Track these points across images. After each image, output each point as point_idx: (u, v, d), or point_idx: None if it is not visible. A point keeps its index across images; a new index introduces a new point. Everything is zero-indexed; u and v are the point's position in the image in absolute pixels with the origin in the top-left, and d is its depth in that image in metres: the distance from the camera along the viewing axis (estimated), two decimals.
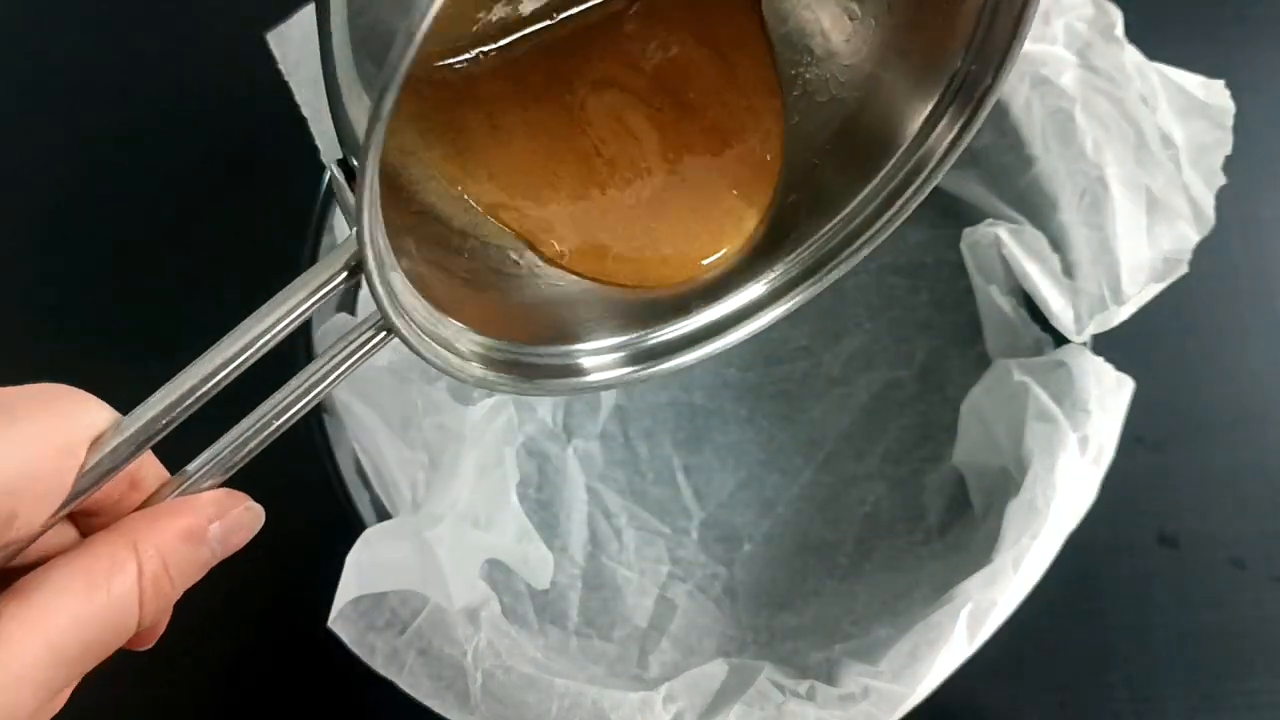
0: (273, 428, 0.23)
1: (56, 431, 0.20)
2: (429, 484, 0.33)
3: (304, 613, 0.31)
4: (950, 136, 0.27)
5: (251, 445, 0.23)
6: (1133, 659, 0.39)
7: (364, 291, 0.36)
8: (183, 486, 0.23)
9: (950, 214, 0.39)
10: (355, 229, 0.19)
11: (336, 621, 0.29)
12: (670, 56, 0.30)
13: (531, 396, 0.27)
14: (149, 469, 0.23)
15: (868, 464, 0.38)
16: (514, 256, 0.28)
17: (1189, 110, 0.33)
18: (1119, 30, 0.33)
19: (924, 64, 0.27)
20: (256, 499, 0.25)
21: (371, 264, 0.20)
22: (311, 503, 0.33)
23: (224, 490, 0.23)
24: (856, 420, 0.39)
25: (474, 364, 0.25)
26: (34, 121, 0.43)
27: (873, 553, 0.37)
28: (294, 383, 0.22)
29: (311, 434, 0.33)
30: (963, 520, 0.36)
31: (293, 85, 0.30)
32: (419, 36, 0.16)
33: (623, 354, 0.28)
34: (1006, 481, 0.34)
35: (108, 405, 0.22)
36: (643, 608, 0.37)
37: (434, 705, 0.29)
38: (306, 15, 0.30)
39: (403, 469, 0.33)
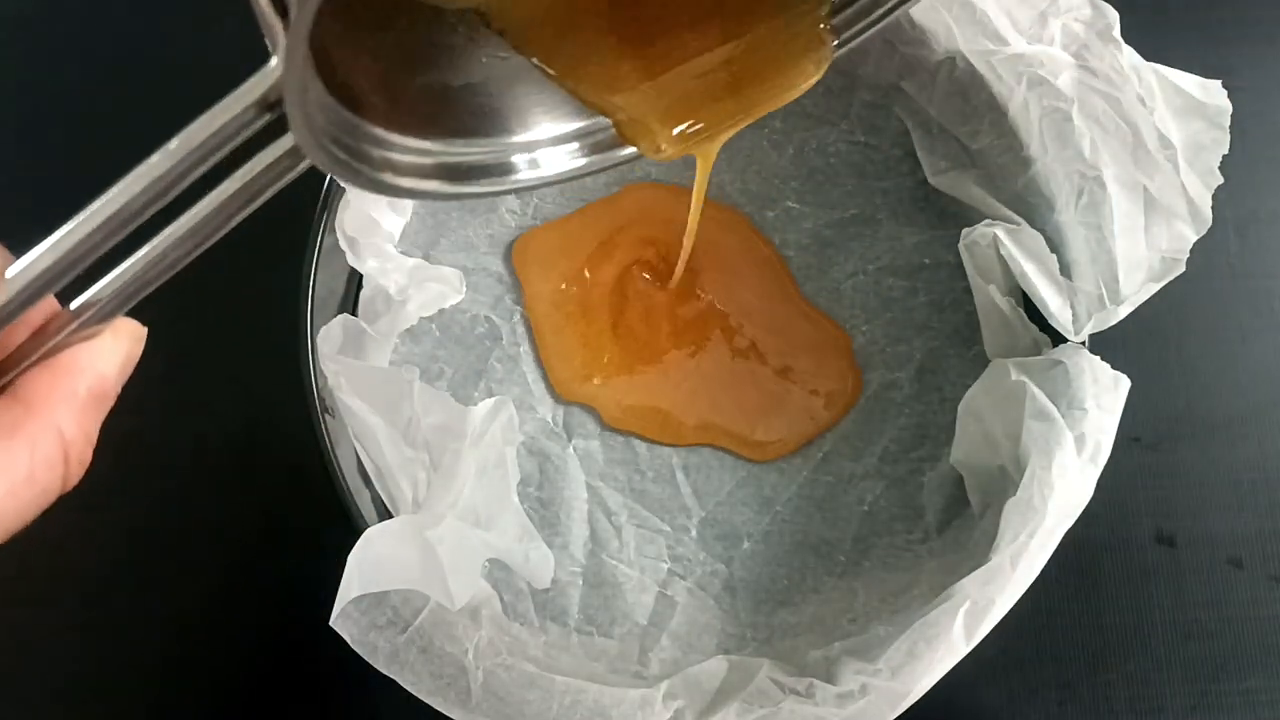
0: (174, 256, 0.20)
1: None
2: (429, 484, 0.33)
3: (305, 612, 0.31)
4: None
5: (151, 274, 0.21)
6: (1130, 658, 0.39)
7: (365, 293, 0.36)
8: (78, 322, 0.21)
9: (948, 215, 0.39)
10: (281, 51, 0.17)
11: (338, 621, 0.29)
12: None
13: (463, 199, 0.25)
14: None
15: (866, 463, 0.38)
16: (453, 23, 0.25)
17: (1186, 110, 0.33)
18: (1116, 31, 0.33)
19: None
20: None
21: (294, 93, 0.18)
22: (311, 503, 0.33)
23: (122, 327, 0.22)
24: (854, 420, 0.39)
25: (401, 176, 0.23)
26: (31, 126, 0.44)
27: (871, 551, 0.37)
28: (199, 206, 0.20)
29: (312, 434, 0.33)
30: (961, 519, 0.37)
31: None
32: None
33: (571, 146, 0.27)
34: (1004, 480, 0.34)
35: None
36: (643, 605, 0.37)
37: (436, 704, 0.29)
38: None
39: (403, 469, 0.33)
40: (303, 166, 0.20)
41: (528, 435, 0.38)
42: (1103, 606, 0.39)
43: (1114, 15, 0.33)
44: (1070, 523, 0.31)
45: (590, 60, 0.27)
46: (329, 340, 0.33)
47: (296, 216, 0.34)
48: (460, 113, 0.25)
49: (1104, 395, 0.32)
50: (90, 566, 0.39)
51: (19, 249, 0.19)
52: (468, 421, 0.33)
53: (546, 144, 0.27)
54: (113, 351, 0.22)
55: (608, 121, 0.28)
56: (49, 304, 0.21)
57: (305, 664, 0.38)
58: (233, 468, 0.40)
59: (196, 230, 0.20)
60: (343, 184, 0.22)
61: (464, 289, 0.38)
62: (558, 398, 0.39)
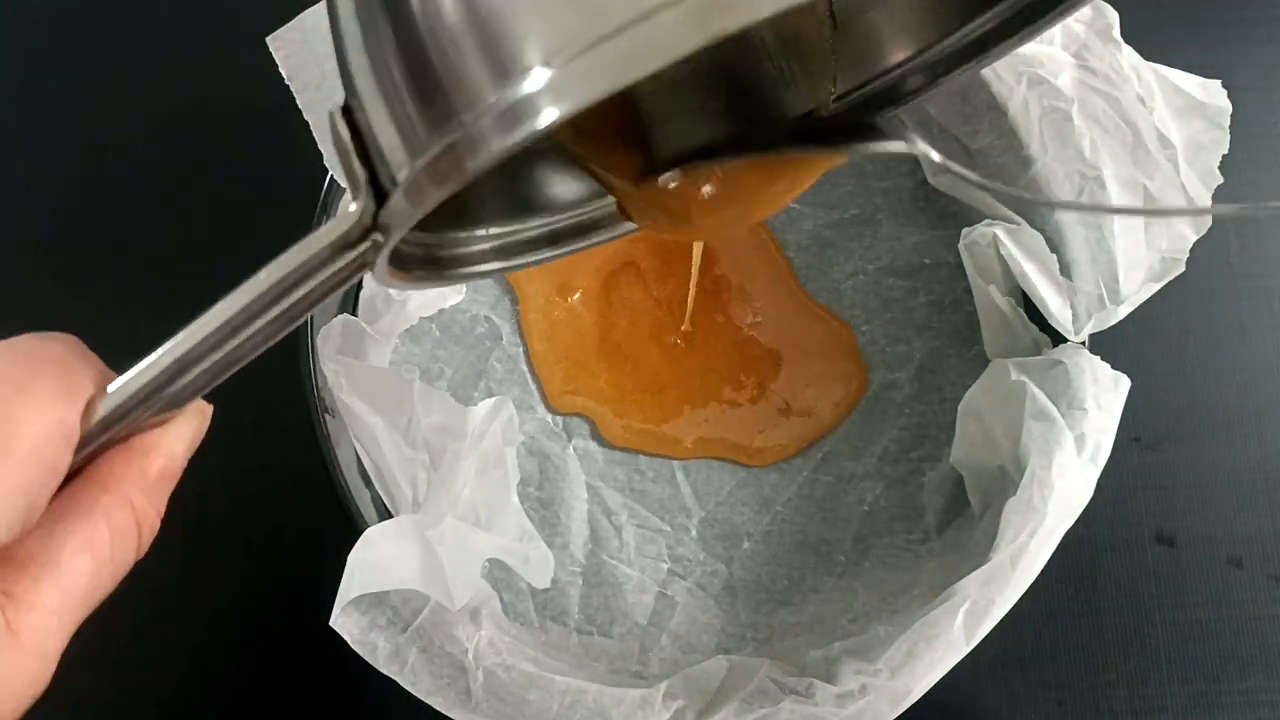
0: (244, 352, 0.22)
1: (50, 421, 0.20)
2: (429, 484, 0.33)
3: (305, 612, 0.31)
4: None
5: (223, 367, 0.22)
6: (1130, 658, 0.39)
7: (365, 293, 0.36)
8: (154, 409, 0.22)
9: (948, 215, 0.39)
10: (362, 202, 0.19)
11: (338, 620, 0.29)
12: None
13: (517, 269, 0.26)
14: None
15: (866, 463, 0.38)
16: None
17: (1186, 110, 0.33)
18: (1116, 31, 0.33)
19: None
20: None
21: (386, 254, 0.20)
22: (311, 503, 0.33)
23: (192, 412, 0.24)
24: (854, 420, 0.39)
25: (465, 267, 0.25)
26: (31, 126, 0.44)
27: (871, 551, 0.37)
28: (274, 311, 0.22)
29: (312, 434, 0.33)
30: (961, 519, 0.37)
31: (294, 89, 0.30)
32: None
33: (610, 210, 0.28)
34: (1004, 480, 0.34)
35: (85, 350, 0.21)
36: (643, 605, 0.37)
37: (436, 703, 0.30)
38: (307, 18, 0.30)
39: (403, 469, 0.33)
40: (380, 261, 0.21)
41: (528, 435, 0.38)
42: (1103, 606, 0.39)
43: (1114, 15, 0.33)
44: (1070, 523, 0.31)
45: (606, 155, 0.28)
46: (329, 340, 0.33)
47: (296, 216, 0.34)
48: (515, 199, 0.27)
49: (1104, 395, 0.32)
50: None
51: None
52: (468, 421, 0.33)
53: (587, 212, 0.28)
54: (182, 431, 0.23)
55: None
56: None
57: (305, 664, 0.38)
58: (233, 468, 0.40)
59: (267, 329, 0.22)
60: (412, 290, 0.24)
61: (464, 289, 0.38)
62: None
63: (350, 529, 0.32)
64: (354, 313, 0.36)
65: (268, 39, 0.30)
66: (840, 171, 0.40)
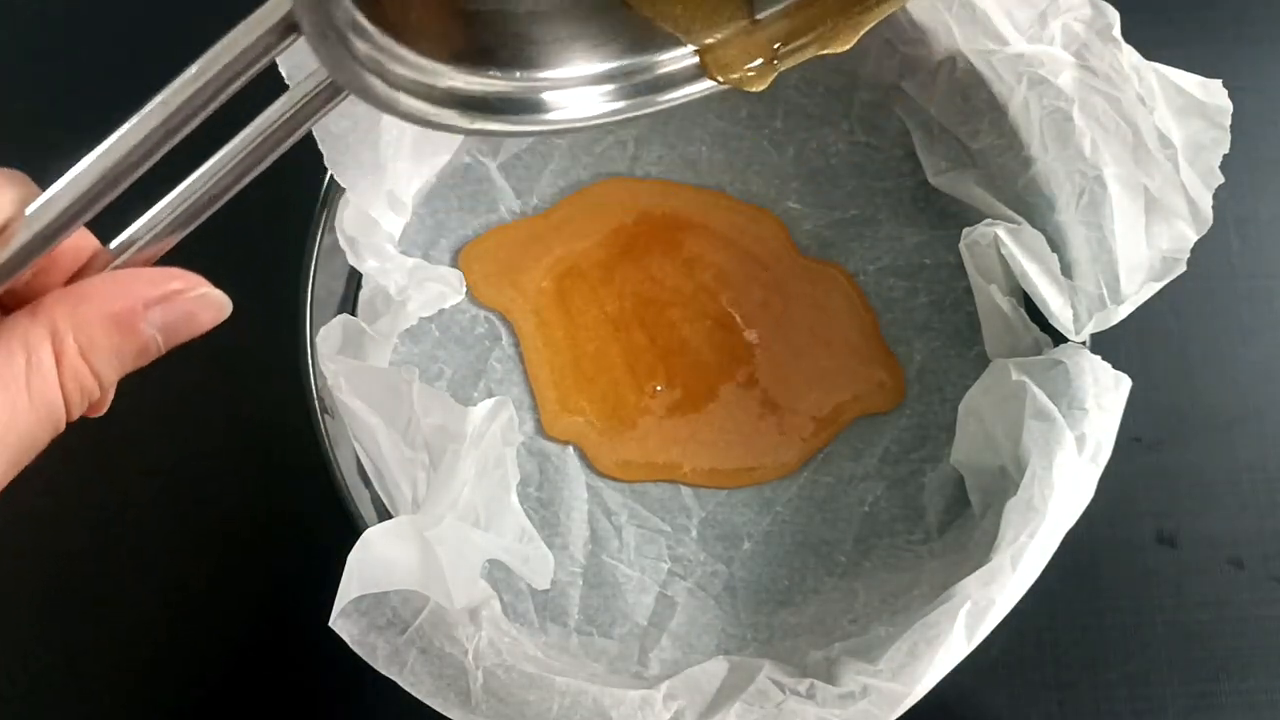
0: (219, 189, 0.20)
1: None
2: (429, 484, 0.33)
3: (304, 613, 0.31)
4: None
5: (190, 211, 0.20)
6: (1131, 658, 0.39)
7: (365, 293, 0.36)
8: (118, 261, 0.19)
9: (948, 215, 0.39)
10: None
11: (337, 621, 0.29)
12: None
13: (480, 135, 0.24)
14: (75, 238, 0.20)
15: (866, 464, 0.38)
16: None
17: (1187, 110, 0.33)
18: (1116, 30, 0.33)
19: None
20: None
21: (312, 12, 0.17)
22: (311, 503, 0.33)
23: (166, 269, 0.20)
24: (855, 421, 0.39)
25: (436, 106, 0.22)
26: (32, 126, 0.44)
27: (872, 551, 0.37)
28: (240, 139, 0.20)
29: (312, 434, 0.33)
30: (961, 519, 0.37)
31: (292, 87, 0.30)
32: None
33: (606, 88, 0.25)
34: (1005, 480, 0.34)
35: (14, 177, 0.19)
36: (643, 605, 0.37)
37: (435, 704, 0.29)
38: None
39: (403, 469, 0.33)
40: (339, 100, 0.19)
41: (527, 435, 0.38)
42: (1103, 606, 0.39)
43: (1114, 15, 0.33)
44: (1071, 523, 0.31)
45: None
46: (329, 340, 0.33)
47: (296, 216, 0.34)
48: (489, 37, 0.23)
49: (1105, 395, 0.32)
50: (90, 567, 0.39)
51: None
52: (467, 422, 0.32)
53: (578, 83, 0.25)
54: (140, 284, 0.19)
55: (650, 61, 0.25)
56: (88, 242, 0.20)
57: (305, 664, 0.38)
58: (232, 468, 0.40)
59: (234, 165, 0.19)
60: (364, 101, 0.21)
61: (464, 289, 0.38)
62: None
63: (350, 529, 0.32)
64: (354, 313, 0.36)
65: None
66: (840, 171, 0.40)
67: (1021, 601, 0.30)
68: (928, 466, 0.38)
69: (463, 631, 0.30)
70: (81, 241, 0.20)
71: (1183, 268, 0.33)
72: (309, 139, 0.30)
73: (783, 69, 0.26)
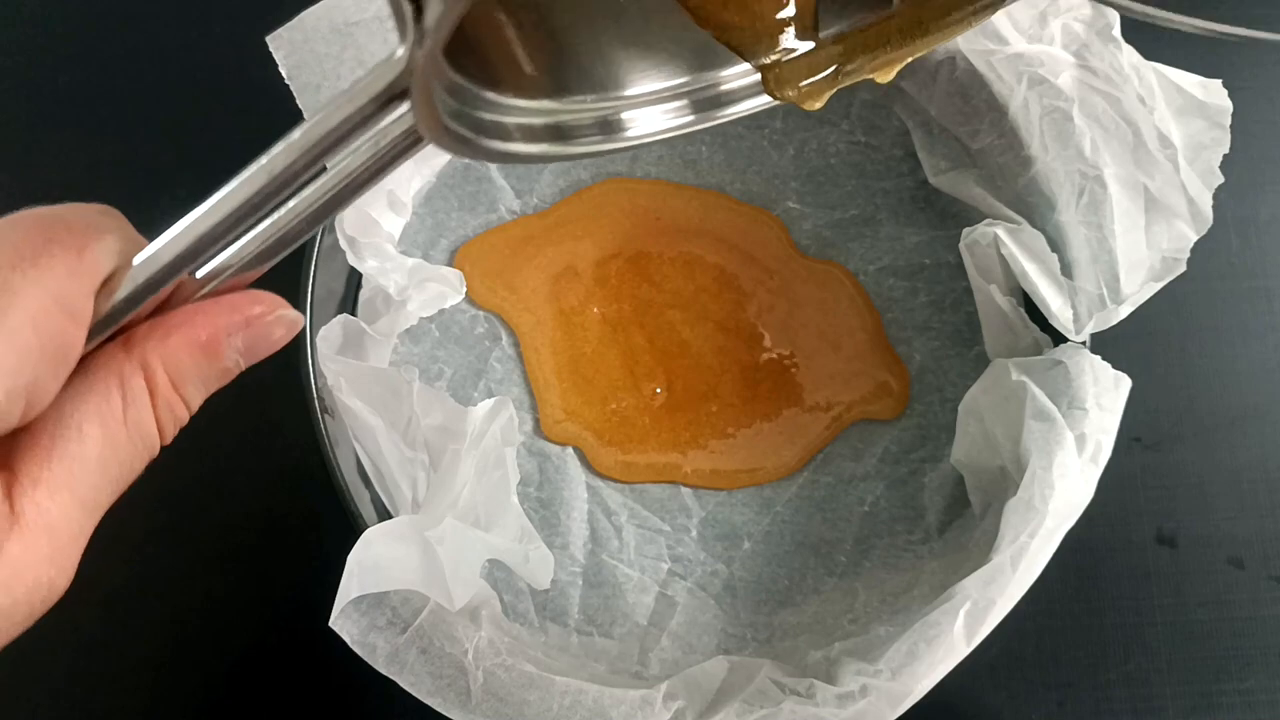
0: (301, 227, 0.21)
1: (51, 294, 0.18)
2: (429, 484, 0.33)
3: (304, 613, 0.31)
4: None
5: (274, 247, 0.21)
6: (1130, 658, 0.39)
7: (365, 293, 0.36)
8: (204, 290, 0.20)
9: (949, 215, 0.39)
10: (409, 46, 0.17)
11: (338, 621, 0.29)
12: None
13: (572, 158, 0.25)
14: None
15: (866, 464, 0.38)
16: None
17: (1187, 110, 0.33)
18: (1116, 30, 0.33)
19: None
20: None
21: (422, 90, 0.18)
22: (311, 503, 0.33)
23: (245, 293, 0.21)
24: (855, 421, 0.39)
25: (514, 142, 0.23)
26: (33, 127, 0.44)
27: (872, 551, 0.37)
28: (324, 181, 0.20)
29: (312, 434, 0.33)
30: (961, 519, 0.37)
31: (294, 89, 0.30)
32: None
33: (673, 104, 0.26)
34: (1005, 481, 0.34)
35: (117, 223, 0.19)
36: (643, 605, 0.37)
37: (435, 704, 0.29)
38: (307, 19, 0.30)
39: (403, 469, 0.33)
40: (425, 145, 0.20)
41: (527, 435, 0.38)
42: (1103, 606, 0.39)
43: (1114, 15, 0.33)
44: (1071, 523, 0.31)
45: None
46: (329, 340, 0.33)
47: None
48: (570, 69, 0.25)
49: (1105, 395, 0.32)
50: (89, 567, 0.39)
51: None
52: (467, 422, 0.33)
53: (649, 101, 0.26)
54: (224, 314, 0.20)
55: (715, 77, 0.27)
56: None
57: (305, 665, 0.38)
58: (232, 468, 0.40)
59: (317, 205, 0.20)
60: (465, 157, 0.22)
61: (464, 289, 0.38)
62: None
63: (350, 529, 0.32)
64: (354, 313, 0.36)
65: (268, 39, 0.30)
66: (840, 171, 0.40)
67: (1021, 601, 0.30)
68: (928, 466, 0.38)
69: (463, 631, 0.30)
70: None
71: (1183, 268, 0.33)
72: None
73: (837, 89, 0.28)
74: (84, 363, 0.20)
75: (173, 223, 0.20)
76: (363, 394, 0.32)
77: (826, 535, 0.38)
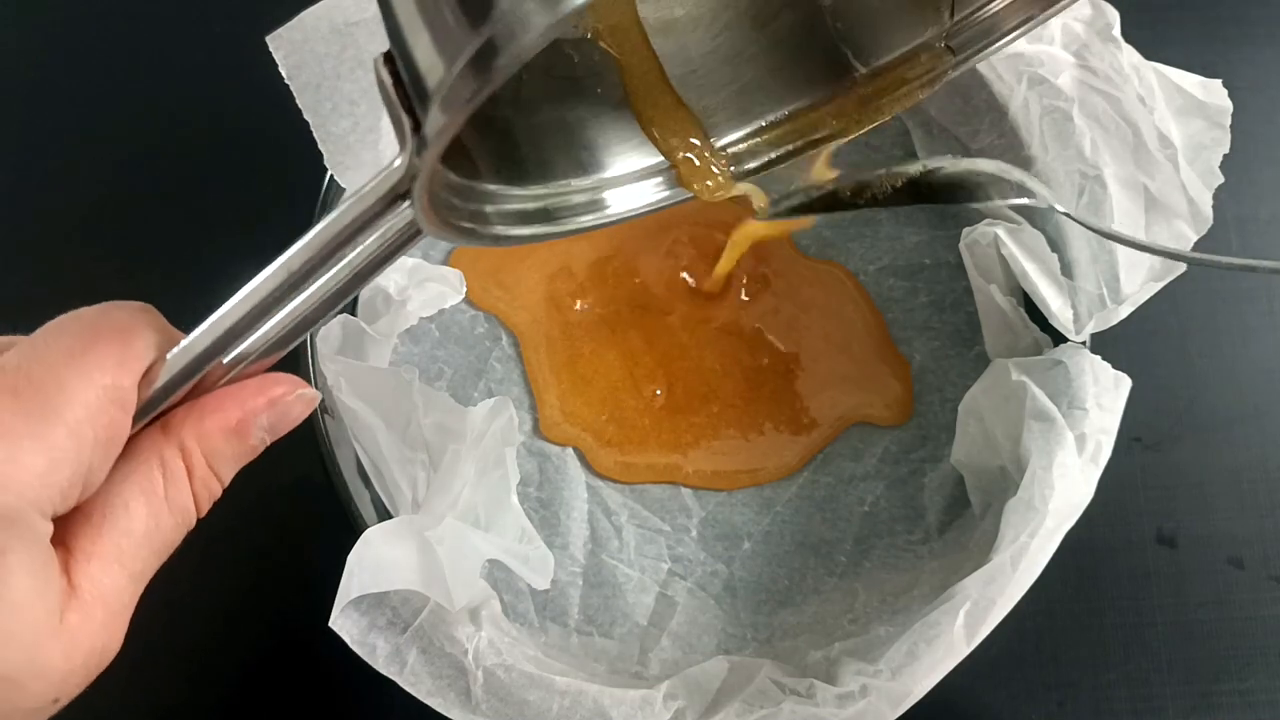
0: (315, 315, 0.23)
1: (102, 387, 0.20)
2: (429, 484, 0.33)
3: (304, 612, 0.31)
4: None
5: (292, 333, 0.23)
6: (1130, 658, 0.39)
7: (365, 293, 0.36)
8: (231, 374, 0.23)
9: (948, 215, 0.39)
10: (408, 156, 0.19)
11: (338, 621, 0.29)
12: None
13: (564, 236, 0.27)
14: None
15: (866, 464, 0.38)
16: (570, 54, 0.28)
17: (1187, 110, 0.33)
18: (1116, 30, 0.33)
19: None
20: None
21: (423, 195, 0.20)
22: (311, 503, 0.33)
23: (268, 375, 0.24)
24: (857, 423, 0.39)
25: (511, 225, 0.25)
26: (34, 129, 0.44)
27: (872, 551, 0.37)
28: (334, 272, 0.23)
29: (312, 434, 0.33)
30: (961, 519, 0.36)
31: (294, 89, 0.30)
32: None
33: (656, 180, 0.29)
34: (1005, 480, 0.34)
35: (154, 318, 0.22)
36: (643, 605, 0.37)
37: (435, 704, 0.29)
38: (307, 18, 0.30)
39: (403, 469, 0.33)
40: (420, 239, 0.22)
41: (527, 435, 0.38)
42: (1103, 606, 0.39)
43: (1114, 15, 0.33)
44: (1071, 523, 0.31)
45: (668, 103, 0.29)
46: (329, 340, 0.33)
47: (297, 215, 0.34)
48: (555, 156, 0.27)
49: (1105, 395, 0.32)
50: None
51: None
52: (467, 422, 0.32)
53: (630, 179, 0.28)
54: (249, 395, 0.23)
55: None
56: None
57: (305, 665, 0.38)
58: None
59: (329, 289, 0.22)
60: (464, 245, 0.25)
61: (464, 289, 0.38)
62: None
63: (350, 529, 0.32)
64: (354, 313, 0.36)
65: (268, 39, 0.30)
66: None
67: (1021, 601, 0.30)
68: (928, 466, 0.38)
69: (463, 631, 0.30)
70: None
71: (1183, 268, 0.33)
72: (309, 138, 0.30)
73: (737, 190, 0.30)
74: (128, 445, 0.22)
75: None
76: (363, 394, 0.32)
77: (826, 535, 0.38)
